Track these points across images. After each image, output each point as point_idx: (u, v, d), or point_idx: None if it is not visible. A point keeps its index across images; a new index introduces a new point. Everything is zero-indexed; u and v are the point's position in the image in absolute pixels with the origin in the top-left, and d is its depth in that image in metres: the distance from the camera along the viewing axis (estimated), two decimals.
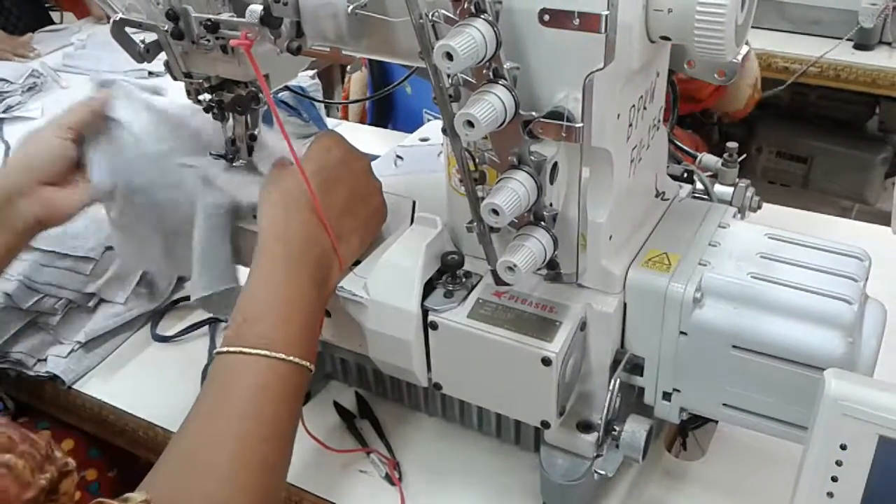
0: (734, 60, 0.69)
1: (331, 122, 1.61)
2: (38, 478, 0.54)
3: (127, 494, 0.57)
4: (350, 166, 0.81)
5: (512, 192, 0.65)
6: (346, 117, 1.97)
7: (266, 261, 0.73)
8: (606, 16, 0.58)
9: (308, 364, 0.70)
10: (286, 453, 0.69)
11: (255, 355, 0.67)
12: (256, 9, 0.71)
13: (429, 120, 1.36)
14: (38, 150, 0.85)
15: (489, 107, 0.62)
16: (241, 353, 0.67)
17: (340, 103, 2.27)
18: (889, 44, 2.06)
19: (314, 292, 0.74)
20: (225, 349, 0.68)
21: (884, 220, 1.32)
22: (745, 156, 0.95)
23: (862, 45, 2.05)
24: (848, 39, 2.05)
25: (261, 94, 0.87)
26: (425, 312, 0.77)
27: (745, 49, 0.69)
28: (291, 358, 0.68)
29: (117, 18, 0.83)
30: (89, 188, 0.86)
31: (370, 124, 1.88)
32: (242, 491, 0.62)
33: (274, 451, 0.66)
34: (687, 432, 0.95)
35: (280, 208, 0.76)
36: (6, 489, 0.51)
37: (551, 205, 0.70)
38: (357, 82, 1.93)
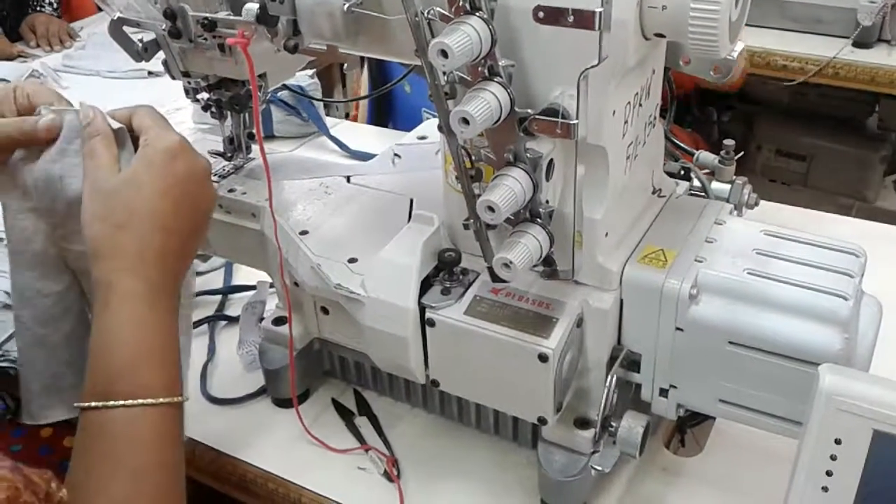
0: (728, 57, 0.69)
1: (330, 122, 1.62)
2: None
3: None
4: (197, 176, 0.72)
5: (508, 189, 0.65)
6: (356, 118, 1.97)
7: (124, 300, 0.65)
8: (600, 13, 0.59)
9: (174, 398, 0.66)
10: (184, 482, 0.67)
11: (143, 406, 0.64)
12: (253, 7, 0.72)
13: (427, 118, 1.36)
14: None
15: (484, 104, 0.62)
16: (123, 406, 0.63)
17: (339, 102, 2.28)
18: (888, 42, 2.06)
19: (175, 321, 0.69)
20: (101, 404, 0.63)
21: (883, 217, 1.32)
22: (742, 153, 0.95)
23: (861, 43, 2.05)
24: (847, 37, 2.05)
25: (259, 93, 0.88)
26: (422, 309, 0.77)
27: None
28: (177, 399, 0.66)
29: (115, 17, 0.84)
30: None
31: (370, 123, 1.89)
32: None
33: (180, 486, 0.66)
34: (685, 429, 0.95)
35: (127, 232, 0.67)
36: None
37: (547, 202, 0.70)
38: (363, 83, 1.93)
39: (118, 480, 0.62)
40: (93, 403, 0.63)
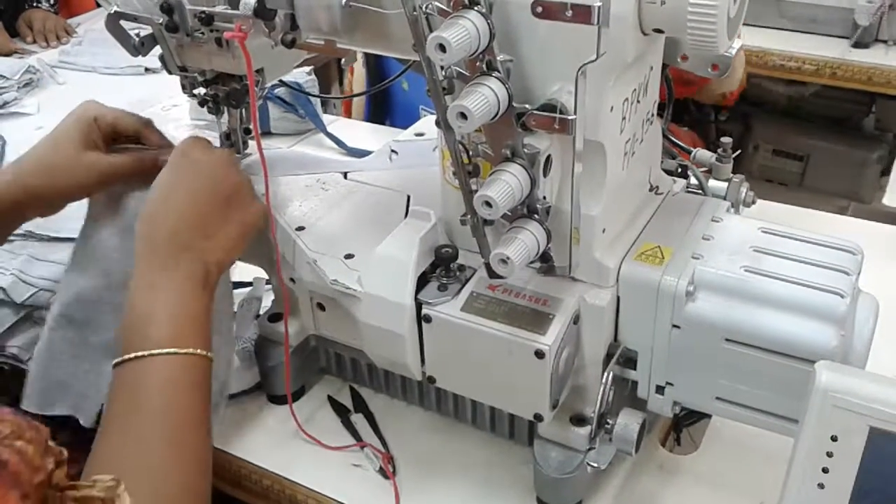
0: (726, 54, 0.69)
1: (328, 119, 1.61)
2: (45, 461, 0.55)
3: (95, 477, 0.59)
4: (212, 162, 0.81)
5: (505, 185, 0.65)
6: (349, 114, 1.97)
7: (141, 266, 0.76)
8: (599, 7, 0.59)
9: (202, 352, 0.72)
10: (207, 441, 0.72)
11: (151, 356, 0.70)
12: (250, 1, 0.71)
13: (425, 115, 1.36)
14: (58, 164, 0.85)
15: (482, 99, 0.62)
16: (136, 357, 0.70)
17: (336, 98, 2.28)
18: (885, 42, 2.07)
19: (194, 288, 0.75)
20: (120, 358, 0.70)
21: (880, 217, 1.32)
22: (739, 151, 0.95)
23: (858, 43, 2.05)
24: (844, 37, 2.05)
25: (256, 88, 0.87)
26: (419, 305, 0.77)
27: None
28: (186, 350, 0.71)
29: (112, 11, 0.83)
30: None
31: (367, 120, 1.88)
32: (182, 482, 0.67)
33: (197, 440, 0.70)
34: (681, 427, 0.95)
35: (153, 220, 0.78)
36: (20, 473, 0.53)
37: (545, 198, 0.70)
38: (359, 78, 1.92)
39: (133, 424, 0.68)
40: (114, 361, 0.71)
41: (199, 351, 0.72)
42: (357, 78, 1.88)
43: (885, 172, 2.38)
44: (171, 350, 0.70)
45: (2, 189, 0.83)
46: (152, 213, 0.78)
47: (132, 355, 0.70)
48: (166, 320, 0.72)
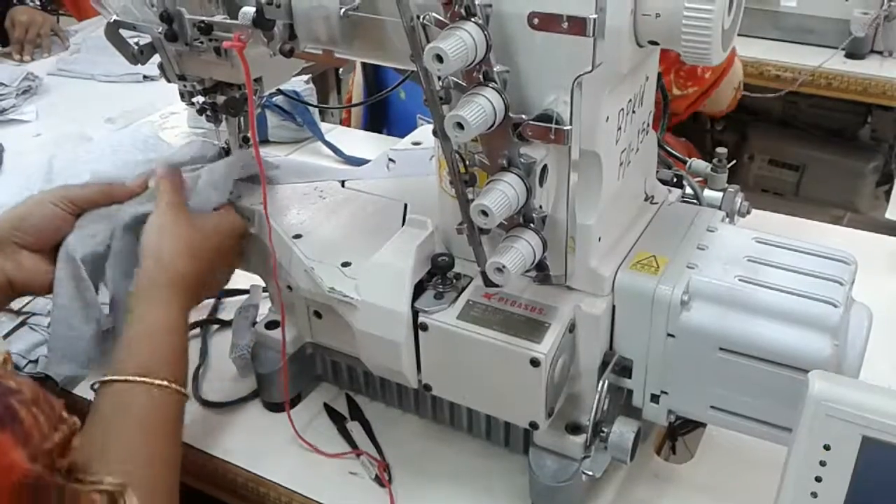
0: None
1: (325, 127, 1.62)
2: (53, 434, 0.59)
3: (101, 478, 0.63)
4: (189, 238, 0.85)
5: (501, 194, 0.66)
6: (349, 122, 1.97)
7: (138, 296, 0.81)
8: (594, 19, 0.59)
9: (176, 387, 0.77)
10: (177, 456, 0.77)
11: (132, 382, 0.75)
12: (249, 11, 0.72)
13: (422, 124, 1.36)
14: (32, 211, 0.86)
15: (479, 109, 0.63)
16: (121, 381, 0.75)
17: (334, 108, 2.28)
18: (880, 53, 2.08)
19: (179, 327, 0.82)
20: (103, 378, 0.75)
21: (875, 228, 1.33)
22: (734, 162, 0.96)
23: (854, 54, 2.06)
24: (840, 48, 2.06)
25: (254, 97, 0.88)
26: (415, 314, 0.77)
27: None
28: (164, 382, 0.76)
29: (112, 20, 0.84)
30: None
31: (365, 129, 1.89)
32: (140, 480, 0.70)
33: (166, 457, 0.75)
34: (677, 436, 0.95)
35: (150, 258, 0.83)
36: (32, 435, 0.56)
37: (541, 207, 0.71)
38: (358, 87, 1.93)
39: (113, 429, 0.73)
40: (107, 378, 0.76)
41: (172, 385, 0.76)
42: (356, 86, 1.89)
43: (881, 183, 2.39)
44: (152, 381, 0.75)
45: None
46: (152, 255, 0.83)
47: (111, 377, 0.75)
48: (149, 354, 0.77)
